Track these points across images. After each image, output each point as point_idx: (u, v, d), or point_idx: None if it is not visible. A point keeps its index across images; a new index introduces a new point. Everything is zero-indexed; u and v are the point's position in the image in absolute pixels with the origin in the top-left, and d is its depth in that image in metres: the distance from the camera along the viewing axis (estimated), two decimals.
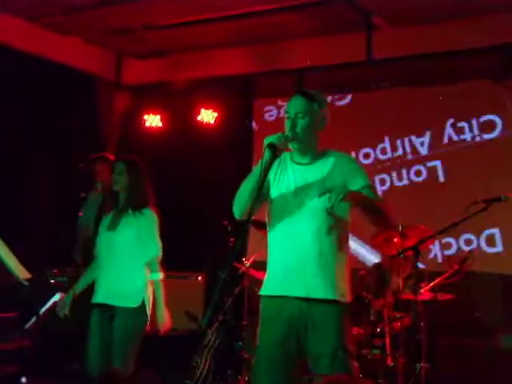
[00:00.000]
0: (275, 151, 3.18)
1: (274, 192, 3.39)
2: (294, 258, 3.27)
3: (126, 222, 4.37)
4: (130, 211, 4.39)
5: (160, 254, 4.39)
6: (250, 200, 3.25)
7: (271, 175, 3.36)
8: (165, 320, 4.35)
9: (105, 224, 4.47)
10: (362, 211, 3.25)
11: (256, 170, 3.32)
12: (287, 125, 3.33)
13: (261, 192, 3.22)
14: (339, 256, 3.30)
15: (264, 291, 3.41)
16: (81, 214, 5.23)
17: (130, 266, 4.31)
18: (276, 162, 3.30)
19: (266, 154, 3.18)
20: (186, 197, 6.71)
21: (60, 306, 4.44)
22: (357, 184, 3.28)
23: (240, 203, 3.36)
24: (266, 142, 3.22)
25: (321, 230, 3.26)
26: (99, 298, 4.34)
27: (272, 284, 3.37)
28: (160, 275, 4.38)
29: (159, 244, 4.40)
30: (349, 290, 3.32)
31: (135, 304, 4.26)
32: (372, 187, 3.38)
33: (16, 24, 6.27)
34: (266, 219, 3.44)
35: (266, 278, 3.43)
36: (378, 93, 6.66)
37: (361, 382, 1.62)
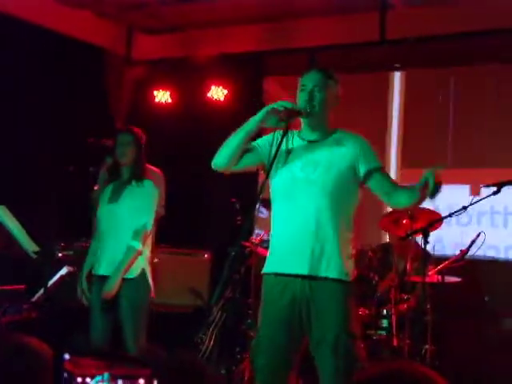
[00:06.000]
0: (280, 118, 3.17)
1: (278, 168, 3.28)
2: (296, 235, 3.21)
3: (128, 194, 4.33)
4: (133, 183, 4.36)
5: (148, 227, 4.28)
6: (233, 153, 3.30)
7: (273, 150, 3.21)
8: (111, 288, 4.20)
9: (105, 197, 4.43)
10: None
11: (247, 125, 3.28)
12: (302, 97, 3.25)
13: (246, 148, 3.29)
14: (343, 234, 3.23)
15: (267, 269, 3.34)
16: (96, 187, 5.17)
17: (129, 237, 4.26)
18: (279, 138, 3.22)
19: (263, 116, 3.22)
20: (193, 173, 6.69)
21: (80, 292, 4.41)
22: (369, 164, 3.25)
23: (223, 155, 3.37)
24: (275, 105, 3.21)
25: (325, 208, 3.19)
26: (101, 270, 4.32)
27: (274, 261, 3.31)
28: (138, 245, 4.23)
29: (151, 217, 4.31)
30: (353, 268, 3.25)
31: (134, 274, 4.25)
32: (383, 168, 3.34)
33: None
34: (271, 196, 3.38)
35: (269, 255, 3.38)
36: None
37: (422, 370, 1.51)
